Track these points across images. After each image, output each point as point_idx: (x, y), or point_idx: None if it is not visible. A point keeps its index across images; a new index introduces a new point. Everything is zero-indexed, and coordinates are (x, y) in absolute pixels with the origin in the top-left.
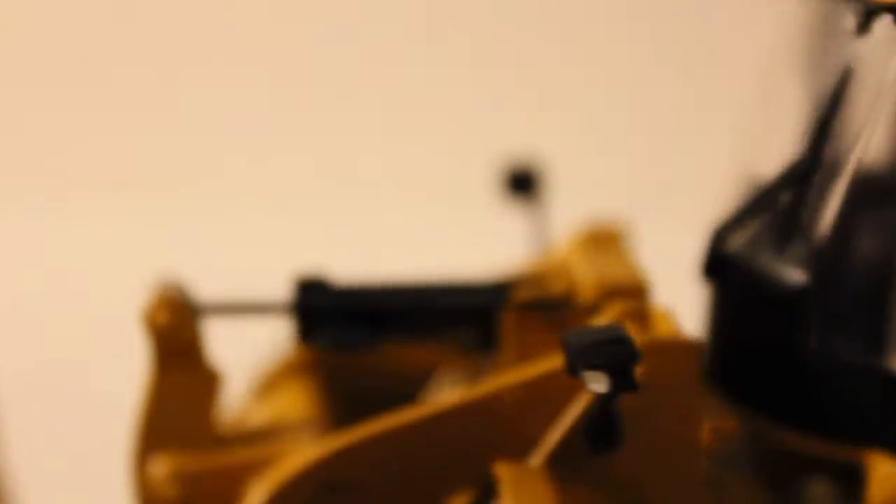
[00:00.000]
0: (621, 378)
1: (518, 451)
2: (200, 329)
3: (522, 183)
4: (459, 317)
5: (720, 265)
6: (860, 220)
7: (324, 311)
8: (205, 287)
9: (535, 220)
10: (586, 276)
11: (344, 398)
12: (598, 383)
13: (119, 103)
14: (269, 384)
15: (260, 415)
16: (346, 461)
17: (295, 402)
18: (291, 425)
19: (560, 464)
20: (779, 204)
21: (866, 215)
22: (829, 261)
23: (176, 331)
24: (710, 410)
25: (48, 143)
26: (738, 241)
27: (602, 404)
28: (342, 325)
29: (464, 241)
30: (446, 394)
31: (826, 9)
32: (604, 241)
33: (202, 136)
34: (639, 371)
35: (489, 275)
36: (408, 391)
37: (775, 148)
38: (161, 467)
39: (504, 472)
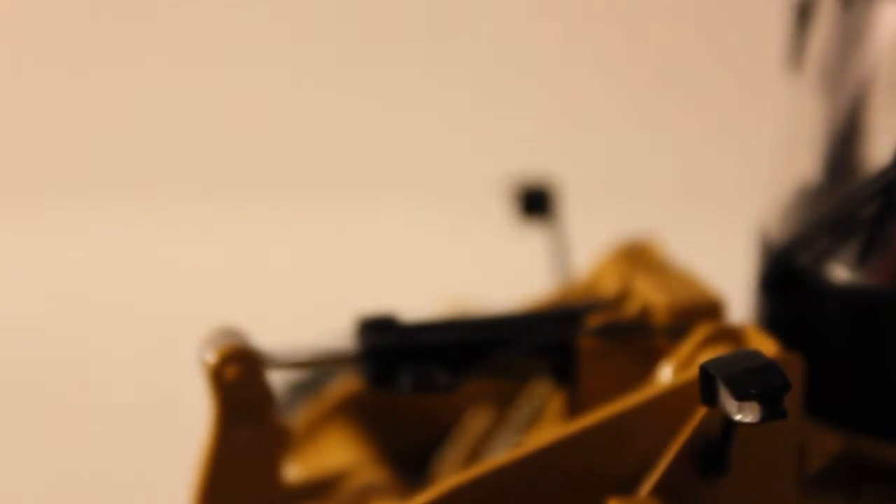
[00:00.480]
0: (773, 406)
1: (619, 483)
2: (267, 382)
3: (537, 203)
4: (536, 349)
5: (789, 280)
6: None
7: (399, 354)
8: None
9: (554, 239)
10: (658, 298)
11: (386, 438)
12: (748, 413)
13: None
14: (311, 431)
15: (310, 465)
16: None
17: (342, 448)
18: (349, 473)
19: (668, 494)
20: (862, 217)
21: None
22: None
23: (246, 385)
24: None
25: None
26: (809, 255)
27: (726, 431)
28: (421, 367)
29: (479, 263)
30: (543, 432)
31: None
32: (646, 257)
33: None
34: None
35: (526, 299)
36: (441, 426)
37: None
38: None
39: None
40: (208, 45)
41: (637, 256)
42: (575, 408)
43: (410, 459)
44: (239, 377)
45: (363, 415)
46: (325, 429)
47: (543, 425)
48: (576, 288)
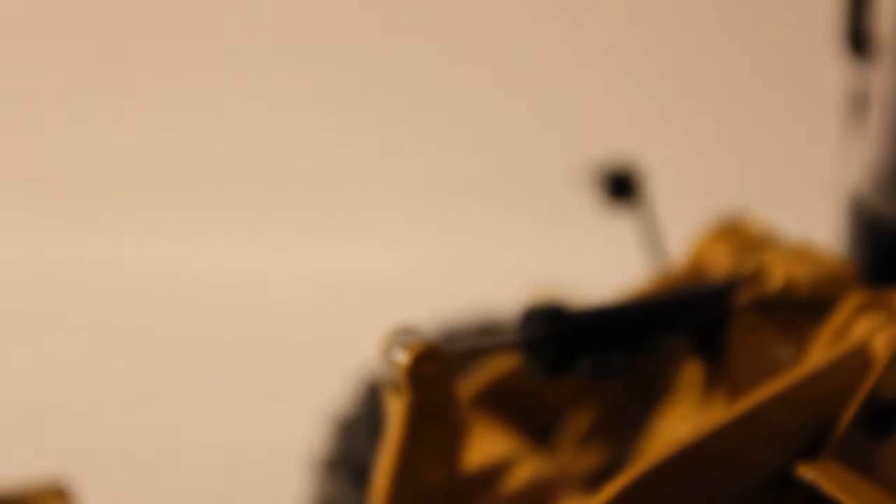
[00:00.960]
0: None
1: (798, 450)
2: (454, 378)
3: (624, 187)
4: (696, 325)
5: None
6: None
7: (574, 341)
8: None
9: (645, 223)
10: (796, 270)
11: (523, 424)
12: None
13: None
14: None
15: (473, 451)
16: (644, 495)
17: (494, 436)
18: (512, 462)
19: (846, 455)
20: None
21: None
22: None
23: (437, 382)
24: None
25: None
26: None
27: None
28: (599, 354)
29: (563, 251)
30: (710, 411)
31: None
32: (750, 233)
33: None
34: None
35: (628, 286)
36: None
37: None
38: None
39: (811, 471)
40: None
41: (739, 233)
42: (723, 382)
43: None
44: (432, 374)
45: (505, 403)
46: (475, 418)
47: (684, 403)
48: (680, 270)
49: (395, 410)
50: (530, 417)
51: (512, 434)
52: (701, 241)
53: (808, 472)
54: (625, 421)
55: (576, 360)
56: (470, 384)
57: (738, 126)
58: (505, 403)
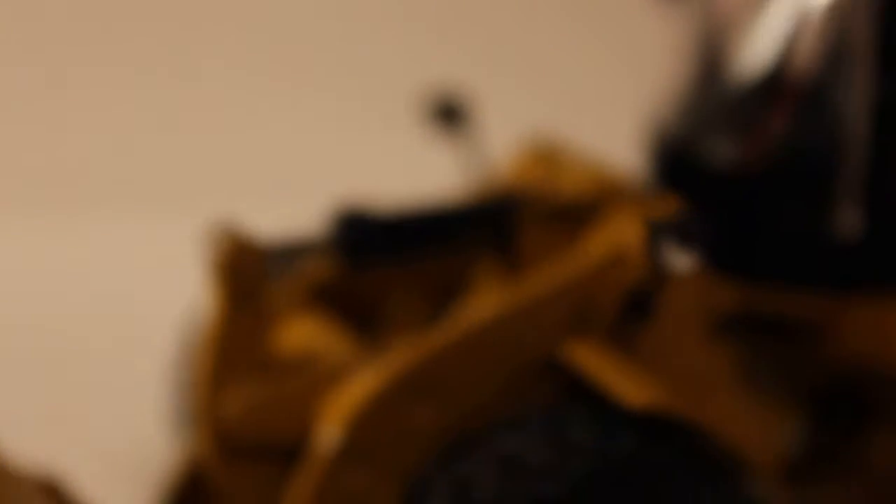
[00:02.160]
0: (705, 252)
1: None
2: (264, 268)
3: (451, 114)
4: (488, 227)
5: (680, 161)
6: (813, 109)
7: (375, 237)
8: None
9: (469, 145)
10: (580, 180)
11: (353, 317)
12: (683, 258)
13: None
14: (286, 313)
15: (290, 342)
16: (426, 366)
17: (317, 328)
18: (326, 349)
19: (610, 335)
20: (742, 104)
21: (818, 106)
22: (790, 147)
23: (250, 268)
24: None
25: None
26: (700, 139)
27: (657, 279)
28: (398, 247)
29: (393, 167)
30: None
31: None
32: (556, 151)
33: None
34: None
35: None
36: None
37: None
38: (235, 396)
39: (572, 350)
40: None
41: (547, 151)
42: (515, 276)
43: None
44: (243, 262)
45: (328, 299)
46: (296, 312)
47: (484, 295)
48: (499, 181)
49: (214, 296)
50: (354, 311)
51: (332, 326)
52: (514, 158)
53: (569, 351)
54: (434, 314)
55: (378, 254)
56: (297, 280)
57: (557, 58)
58: (331, 298)
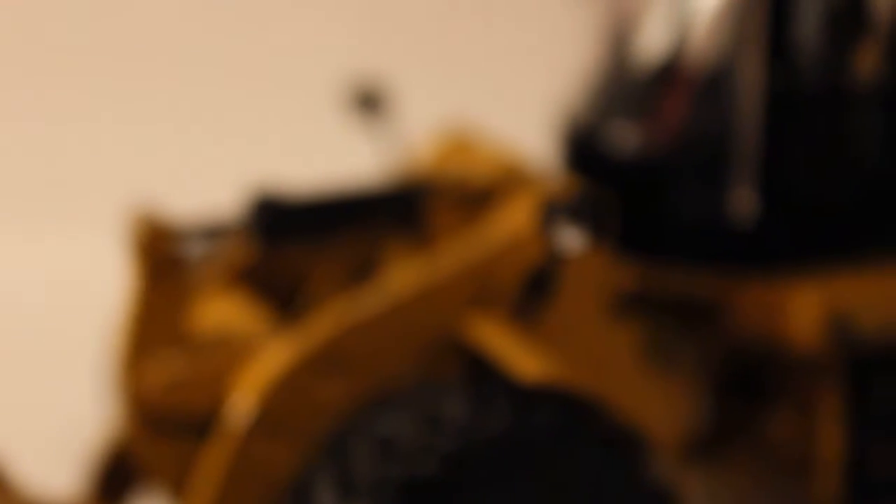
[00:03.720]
0: (600, 231)
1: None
2: (179, 248)
3: (370, 101)
4: (396, 207)
5: (586, 146)
6: (710, 96)
7: (286, 217)
8: None
9: (386, 131)
10: (485, 165)
11: (270, 294)
12: (579, 237)
13: None
14: (206, 291)
15: (209, 320)
16: (336, 339)
17: (236, 306)
18: (243, 327)
19: (514, 313)
20: (643, 91)
21: (714, 92)
22: (688, 132)
23: (166, 246)
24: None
25: None
26: (604, 128)
27: (556, 257)
28: (303, 227)
29: (313, 152)
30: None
31: None
32: (466, 138)
33: None
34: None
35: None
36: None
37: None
38: (154, 372)
39: (472, 325)
40: None
41: (458, 138)
42: (426, 256)
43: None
44: (159, 241)
45: (246, 277)
46: (216, 291)
47: (398, 273)
48: (413, 166)
49: (133, 274)
50: (273, 290)
51: (251, 304)
52: (429, 139)
53: (469, 326)
54: (349, 293)
55: (292, 235)
56: (217, 260)
57: (472, 48)
58: (251, 278)
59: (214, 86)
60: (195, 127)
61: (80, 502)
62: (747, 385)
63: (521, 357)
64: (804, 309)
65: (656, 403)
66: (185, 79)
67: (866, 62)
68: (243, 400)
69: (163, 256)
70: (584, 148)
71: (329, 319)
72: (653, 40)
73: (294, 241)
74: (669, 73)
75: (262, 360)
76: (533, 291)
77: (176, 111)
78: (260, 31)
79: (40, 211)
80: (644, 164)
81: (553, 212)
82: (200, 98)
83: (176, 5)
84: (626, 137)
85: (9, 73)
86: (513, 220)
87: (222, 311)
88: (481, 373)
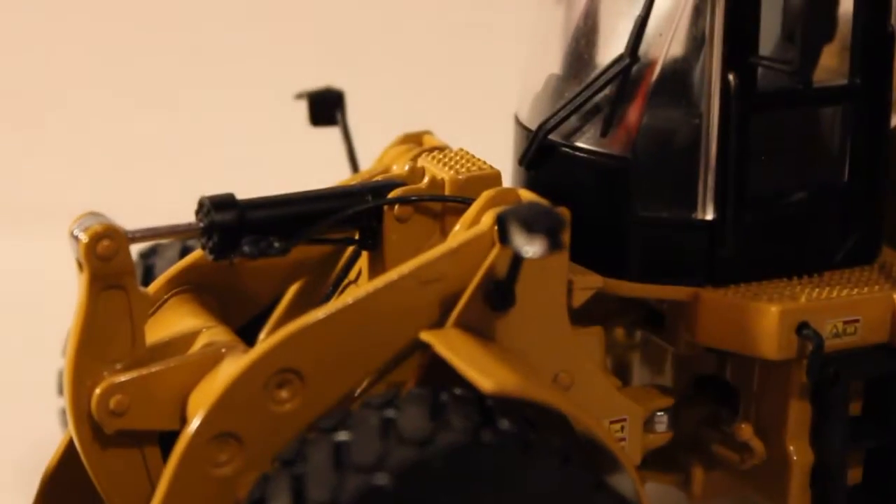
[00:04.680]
0: (554, 239)
1: (430, 322)
2: (130, 255)
3: (328, 110)
4: (352, 217)
5: (545, 154)
6: (669, 103)
7: (239, 227)
8: None
9: (344, 137)
10: (443, 173)
11: (224, 308)
12: (535, 246)
13: None
14: (160, 301)
15: (160, 331)
16: (291, 351)
17: (187, 316)
18: (194, 335)
19: (468, 326)
20: (603, 97)
21: (673, 99)
22: (647, 140)
23: (113, 258)
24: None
25: None
26: (563, 131)
27: (514, 266)
28: (258, 236)
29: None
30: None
31: None
32: (425, 145)
33: None
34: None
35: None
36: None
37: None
38: (100, 382)
39: (430, 336)
40: None
41: (418, 145)
42: (382, 267)
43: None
44: (107, 251)
45: (200, 289)
46: (168, 300)
47: (354, 285)
48: (370, 174)
49: (80, 284)
50: (229, 299)
51: (206, 313)
52: (386, 151)
53: (427, 337)
54: (309, 303)
55: (236, 244)
56: (171, 268)
57: (429, 58)
58: (206, 287)
59: (174, 99)
60: (153, 142)
61: None
62: (714, 392)
63: (481, 366)
64: (765, 315)
65: (618, 410)
66: (151, 86)
67: (830, 64)
68: (196, 412)
69: (112, 265)
70: (545, 152)
71: (283, 331)
72: (613, 40)
73: (246, 251)
74: (630, 75)
75: (216, 373)
76: (493, 299)
77: (136, 124)
78: (220, 41)
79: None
80: (606, 168)
81: (511, 220)
82: (161, 111)
83: (132, 21)
84: (587, 141)
85: None
86: (473, 228)
87: (176, 320)
88: (440, 382)
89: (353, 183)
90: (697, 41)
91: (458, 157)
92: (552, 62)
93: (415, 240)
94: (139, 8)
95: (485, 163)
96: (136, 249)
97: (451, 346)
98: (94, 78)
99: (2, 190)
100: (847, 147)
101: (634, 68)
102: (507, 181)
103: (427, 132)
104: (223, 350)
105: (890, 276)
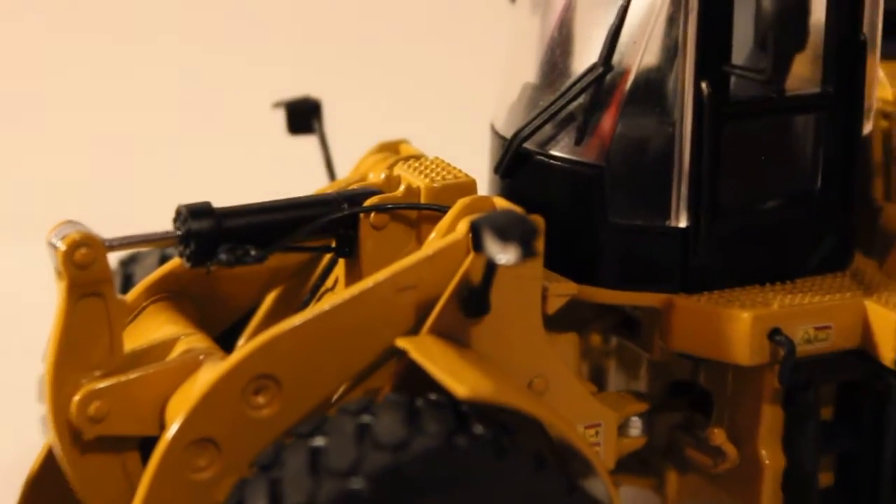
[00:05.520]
0: (528, 247)
1: (406, 329)
2: (107, 262)
3: (306, 120)
4: (328, 226)
5: (520, 162)
6: (642, 111)
7: (216, 235)
8: None
9: (321, 146)
10: (419, 181)
11: (203, 315)
12: (509, 254)
13: None
14: (139, 307)
15: (139, 338)
16: (268, 358)
17: (165, 323)
18: (173, 342)
19: (443, 333)
20: (577, 106)
21: (646, 107)
22: (620, 148)
23: (90, 265)
24: None
25: None
26: (538, 140)
27: (488, 274)
28: (234, 244)
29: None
30: (340, 289)
31: None
32: (402, 154)
33: None
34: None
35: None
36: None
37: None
38: (79, 388)
39: (406, 343)
40: None
41: (394, 154)
42: (359, 275)
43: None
44: (85, 259)
45: (178, 296)
46: (146, 308)
47: (332, 293)
48: (347, 182)
49: (59, 291)
50: (208, 305)
51: (185, 319)
52: (363, 160)
53: (402, 344)
54: (287, 310)
55: (212, 253)
56: (150, 275)
57: (408, 68)
58: (185, 294)
59: (151, 108)
60: (131, 149)
61: None
62: (689, 397)
63: (455, 372)
64: (738, 321)
65: (592, 416)
66: (129, 102)
67: (802, 72)
68: (175, 418)
69: (90, 272)
70: (520, 161)
71: (260, 338)
72: (587, 52)
73: (222, 258)
74: (603, 86)
75: (194, 379)
76: (468, 305)
77: (113, 132)
78: (205, 52)
79: None
80: (580, 175)
81: (484, 228)
82: (138, 120)
83: (113, 31)
84: (561, 149)
85: None
86: (448, 236)
87: (156, 326)
88: (415, 388)
89: (329, 191)
90: (670, 50)
91: (433, 166)
92: (527, 71)
93: (391, 247)
94: (120, 18)
95: (460, 171)
96: (115, 257)
97: (427, 353)
98: (71, 86)
99: None
100: (820, 155)
101: (608, 77)
102: (483, 189)
103: (403, 141)
104: (201, 357)
105: (862, 283)
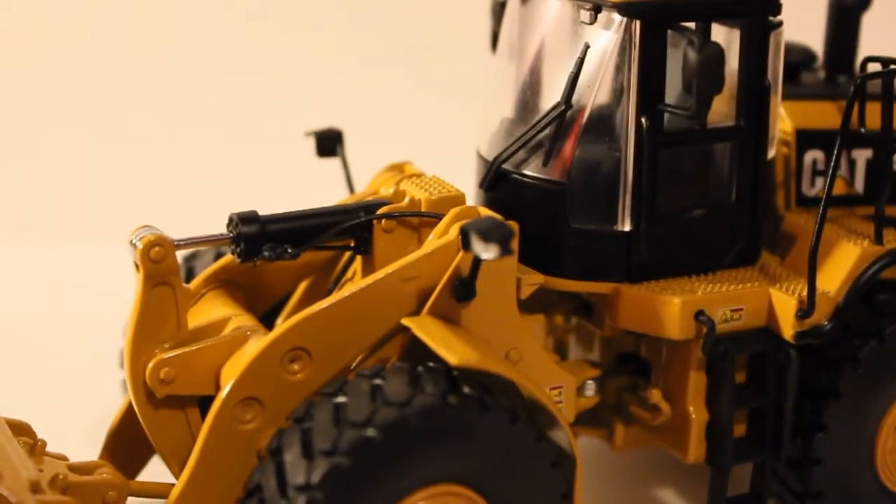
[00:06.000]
0: (505, 246)
1: (409, 311)
2: (176, 258)
3: (331, 144)
4: (350, 229)
5: (500, 179)
6: (596, 139)
7: (260, 236)
8: None
9: (343, 167)
10: (420, 194)
11: (249, 300)
12: (490, 252)
13: None
14: (199, 294)
15: (199, 318)
16: (301, 334)
17: (221, 307)
18: (226, 321)
19: (439, 314)
20: (544, 135)
21: (599, 137)
22: (579, 169)
23: (162, 261)
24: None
25: None
26: (514, 162)
27: (474, 267)
28: (275, 244)
29: (288, 185)
30: (360, 278)
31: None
32: (406, 172)
33: None
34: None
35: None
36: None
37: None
38: (152, 358)
39: (409, 322)
40: None
41: (400, 172)
42: (372, 268)
43: (263, 316)
44: (158, 255)
45: (230, 285)
46: (205, 294)
47: (350, 280)
48: (363, 195)
49: (137, 281)
50: (256, 293)
51: (236, 305)
52: (375, 178)
53: (407, 322)
54: (316, 296)
55: (260, 250)
56: (208, 269)
57: (409, 103)
58: (236, 284)
59: (212, 138)
60: (195, 169)
61: (98, 466)
62: (633, 367)
63: (449, 345)
64: (670, 305)
65: (556, 379)
66: (194, 121)
67: (720, 109)
68: (227, 381)
69: (161, 266)
70: (500, 178)
71: (295, 318)
72: (553, 88)
73: (268, 255)
74: (565, 116)
75: (243, 350)
76: (458, 293)
77: (183, 154)
78: (246, 84)
79: (64, 222)
80: (547, 191)
81: (471, 231)
82: (201, 146)
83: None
84: (532, 169)
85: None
86: (444, 237)
87: (213, 310)
88: (417, 357)
89: (349, 202)
90: (618, 92)
91: (431, 182)
92: (505, 107)
93: (397, 247)
94: (173, 45)
95: (452, 186)
96: (180, 255)
97: (426, 330)
98: (142, 105)
99: (80, 204)
100: (734, 174)
101: (569, 113)
102: (470, 201)
103: (408, 162)
104: (248, 333)
105: (767, 275)
